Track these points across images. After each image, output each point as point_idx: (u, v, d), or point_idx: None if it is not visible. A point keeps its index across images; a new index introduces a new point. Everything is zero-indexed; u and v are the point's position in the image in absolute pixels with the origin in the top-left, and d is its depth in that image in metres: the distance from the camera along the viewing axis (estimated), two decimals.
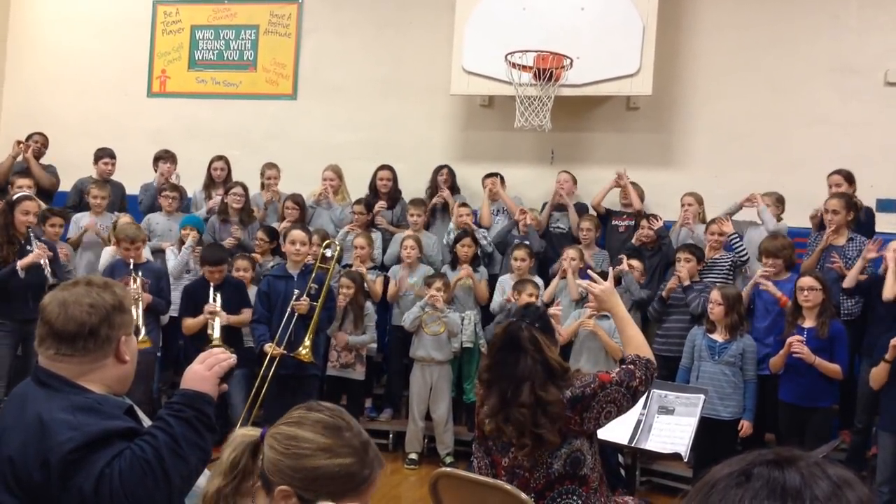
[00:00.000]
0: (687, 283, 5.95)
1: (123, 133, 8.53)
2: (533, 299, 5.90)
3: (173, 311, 6.23)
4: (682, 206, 6.71)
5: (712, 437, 5.00)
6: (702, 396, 4.13)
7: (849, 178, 6.25)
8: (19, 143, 7.60)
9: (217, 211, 7.15)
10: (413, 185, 7.61)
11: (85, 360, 2.07)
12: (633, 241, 6.62)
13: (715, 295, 5.44)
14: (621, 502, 3.26)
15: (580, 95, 7.23)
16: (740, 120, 7.42)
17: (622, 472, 5.29)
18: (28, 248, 5.69)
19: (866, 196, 6.48)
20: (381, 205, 7.30)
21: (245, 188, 7.21)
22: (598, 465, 2.97)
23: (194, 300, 5.91)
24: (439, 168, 7.52)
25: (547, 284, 6.37)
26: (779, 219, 6.44)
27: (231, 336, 5.78)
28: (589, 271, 4.14)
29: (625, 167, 7.05)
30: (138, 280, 5.58)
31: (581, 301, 6.11)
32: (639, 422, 4.02)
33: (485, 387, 3.02)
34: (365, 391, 6.76)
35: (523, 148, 7.77)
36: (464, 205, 7.09)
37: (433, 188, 7.49)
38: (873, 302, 5.60)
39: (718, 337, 5.41)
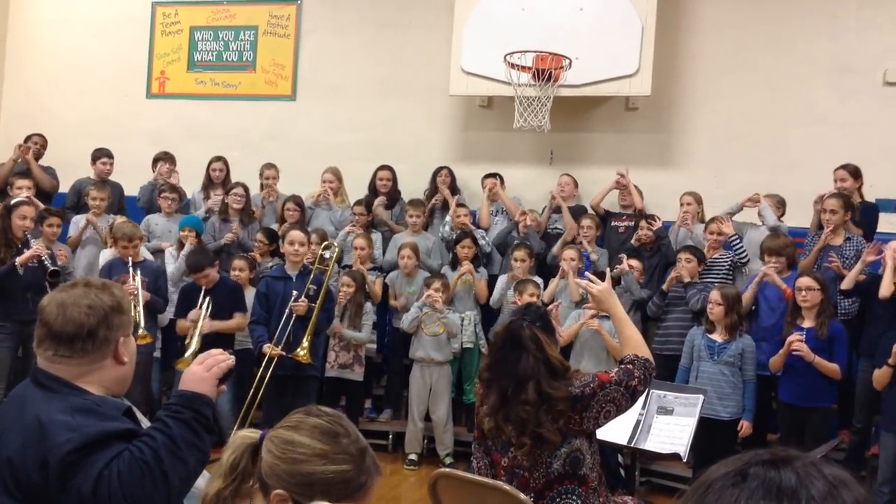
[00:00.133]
0: (688, 280, 5.95)
1: (123, 134, 8.53)
2: (534, 299, 5.92)
3: (174, 311, 6.23)
4: (681, 205, 6.71)
5: (712, 437, 4.99)
6: (701, 396, 4.13)
7: (855, 173, 6.24)
8: (20, 146, 7.59)
9: (218, 211, 7.15)
10: (412, 186, 7.61)
11: (83, 362, 2.07)
12: (633, 241, 6.62)
13: (714, 295, 5.44)
14: (620, 502, 3.26)
15: (579, 96, 7.24)
16: (739, 120, 7.42)
17: (622, 472, 5.30)
18: (25, 250, 5.70)
19: (865, 196, 6.47)
20: (380, 200, 7.30)
21: (246, 188, 7.22)
22: (597, 465, 2.97)
23: (188, 302, 5.90)
24: (439, 169, 7.52)
25: (546, 284, 6.38)
26: (779, 219, 6.44)
27: (220, 342, 5.66)
28: (587, 273, 4.14)
29: (626, 168, 7.05)
30: (137, 278, 5.58)
31: (581, 302, 6.11)
32: (638, 422, 4.02)
33: (485, 386, 3.03)
34: (364, 392, 6.75)
35: (522, 148, 7.77)
36: (461, 205, 7.10)
37: (432, 190, 7.49)
38: (871, 302, 5.61)
39: (718, 337, 5.41)
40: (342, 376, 6.28)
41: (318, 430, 1.71)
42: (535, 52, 6.90)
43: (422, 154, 7.89)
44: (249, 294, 6.10)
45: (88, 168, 7.68)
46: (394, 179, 7.52)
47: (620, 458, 5.34)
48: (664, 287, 6.05)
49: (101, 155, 7.63)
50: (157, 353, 6.31)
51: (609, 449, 4.50)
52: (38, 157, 7.79)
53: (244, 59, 8.74)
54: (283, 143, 8.32)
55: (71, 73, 9.09)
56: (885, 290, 5.30)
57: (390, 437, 6.47)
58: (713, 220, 6.31)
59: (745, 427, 5.29)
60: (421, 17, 8.13)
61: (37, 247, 5.61)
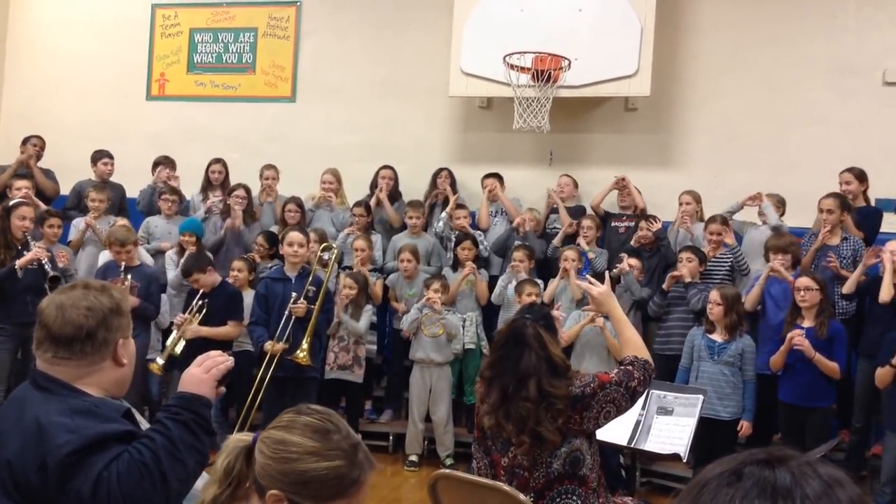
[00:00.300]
0: (688, 279, 5.95)
1: (122, 136, 8.53)
2: (532, 298, 5.93)
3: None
4: (680, 204, 6.71)
5: (712, 437, 5.00)
6: (700, 397, 4.12)
7: (860, 176, 6.25)
8: (23, 152, 7.58)
9: (220, 212, 7.16)
10: (412, 187, 7.62)
11: (82, 364, 2.07)
12: (633, 242, 6.62)
13: (714, 295, 5.44)
14: (620, 503, 3.26)
15: (578, 96, 7.24)
16: (739, 120, 7.42)
17: (622, 472, 5.30)
18: (25, 252, 5.69)
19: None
20: (381, 192, 7.32)
21: (248, 189, 7.22)
22: (597, 466, 2.98)
23: (187, 304, 5.89)
24: (439, 170, 7.53)
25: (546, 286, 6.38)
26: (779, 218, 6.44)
27: (217, 344, 5.38)
28: (587, 275, 4.15)
29: (623, 176, 7.04)
30: (126, 283, 5.54)
31: (582, 301, 6.11)
32: (638, 422, 4.02)
33: (486, 383, 3.04)
34: (365, 393, 6.75)
35: (522, 149, 7.77)
36: (461, 206, 7.09)
37: (432, 191, 7.49)
38: (870, 302, 5.61)
39: (718, 337, 5.41)
40: (342, 377, 6.27)
41: (310, 428, 1.71)
42: (534, 52, 6.90)
43: (421, 155, 7.90)
44: (248, 296, 6.08)
45: (88, 170, 7.68)
46: (395, 179, 7.54)
47: (622, 459, 5.34)
48: (664, 286, 6.05)
49: (101, 156, 7.63)
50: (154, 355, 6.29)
51: (610, 450, 4.50)
52: (37, 158, 7.79)
53: (244, 60, 8.75)
54: (282, 144, 8.32)
55: (71, 76, 9.10)
56: (885, 295, 5.31)
57: (391, 438, 6.48)
58: (713, 219, 6.30)
59: (744, 427, 5.30)
60: (420, 19, 8.13)
61: (36, 250, 5.60)
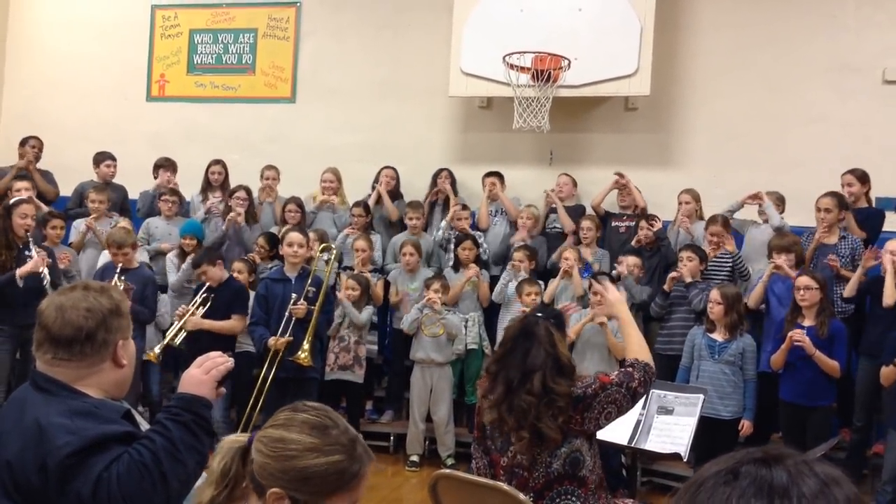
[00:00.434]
0: (689, 279, 5.95)
1: (122, 137, 8.54)
2: (531, 298, 5.95)
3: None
4: (679, 204, 6.71)
5: (712, 436, 4.99)
6: (701, 396, 4.12)
7: (862, 178, 6.24)
8: (22, 155, 7.59)
9: (221, 213, 7.16)
10: (412, 187, 7.63)
11: (82, 365, 2.07)
12: (633, 242, 6.62)
13: (714, 294, 5.44)
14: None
15: (578, 96, 7.24)
16: (738, 119, 7.42)
17: (623, 472, 5.30)
18: (26, 252, 5.66)
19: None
20: (381, 187, 7.31)
21: (248, 191, 7.22)
22: (597, 468, 3.00)
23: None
24: (439, 171, 7.53)
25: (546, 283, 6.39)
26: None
27: (221, 344, 5.37)
28: (604, 280, 4.19)
29: (623, 173, 7.04)
30: (120, 285, 5.52)
31: (584, 297, 6.11)
32: (638, 422, 4.01)
33: (491, 378, 3.06)
34: (366, 393, 6.76)
35: (522, 149, 7.77)
36: (464, 207, 7.08)
37: (433, 192, 7.50)
38: (871, 302, 5.60)
39: (718, 336, 5.41)
40: (342, 378, 6.27)
41: (308, 424, 1.73)
42: (534, 52, 6.90)
43: (421, 155, 7.90)
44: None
45: (88, 172, 7.68)
46: (397, 179, 7.55)
47: (623, 459, 5.34)
48: (665, 287, 6.05)
49: (104, 158, 7.63)
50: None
51: (611, 449, 4.50)
52: (35, 160, 7.79)
53: (244, 61, 8.75)
54: (282, 145, 8.32)
55: (71, 77, 9.10)
56: (889, 299, 5.30)
57: (392, 438, 6.48)
58: (713, 220, 6.30)
59: (745, 426, 5.29)
60: (420, 19, 8.13)
61: (37, 258, 5.56)
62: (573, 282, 6.25)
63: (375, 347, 6.77)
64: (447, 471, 3.30)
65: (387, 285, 6.76)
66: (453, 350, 6.28)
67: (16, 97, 9.37)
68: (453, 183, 7.49)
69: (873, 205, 6.45)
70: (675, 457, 4.00)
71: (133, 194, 7.70)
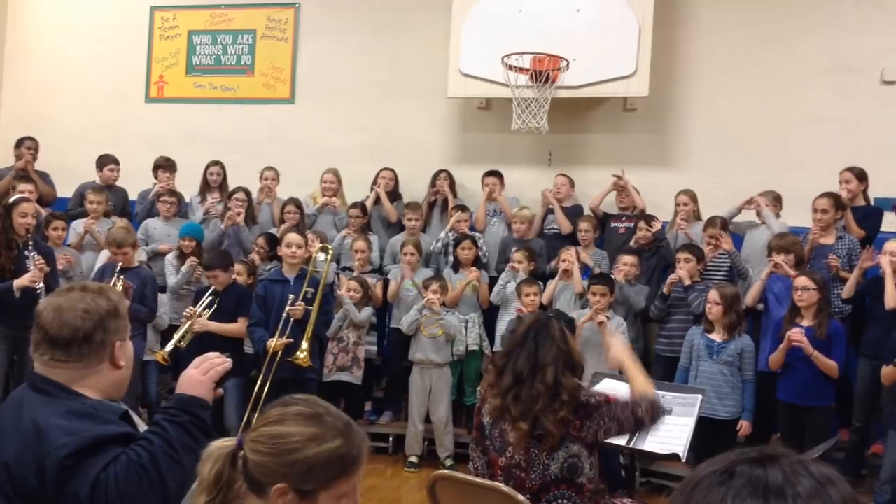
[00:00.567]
0: (688, 282, 5.94)
1: (122, 139, 8.53)
2: (531, 298, 5.94)
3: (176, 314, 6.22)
4: (677, 205, 6.71)
5: (711, 437, 4.99)
6: (699, 396, 4.11)
7: (860, 175, 6.23)
8: (18, 156, 7.58)
9: (219, 214, 7.16)
10: (411, 188, 7.63)
11: (80, 366, 2.07)
12: (632, 243, 6.61)
13: (713, 294, 5.44)
14: None
15: (577, 97, 7.23)
16: (738, 120, 7.42)
17: (622, 472, 5.29)
18: (27, 253, 5.64)
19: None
20: (378, 188, 7.31)
21: (247, 192, 7.22)
22: (596, 478, 3.01)
23: (196, 302, 5.89)
24: (438, 172, 7.52)
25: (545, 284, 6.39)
26: (777, 217, 6.43)
27: (229, 346, 5.65)
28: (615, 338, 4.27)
29: (622, 169, 7.05)
30: (119, 284, 5.52)
31: (583, 296, 6.11)
32: None
33: (497, 371, 3.08)
34: (365, 394, 6.75)
35: (521, 150, 7.77)
36: (464, 209, 7.07)
37: (432, 194, 7.50)
38: (871, 302, 5.60)
39: (717, 337, 5.41)
40: (341, 379, 6.27)
41: (302, 416, 1.72)
42: (532, 53, 6.90)
43: (420, 156, 7.90)
44: None
45: (88, 174, 7.68)
46: (396, 180, 7.55)
47: (622, 459, 5.33)
48: (664, 290, 6.04)
49: (107, 161, 7.62)
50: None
51: (611, 450, 4.50)
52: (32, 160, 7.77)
53: (242, 62, 8.75)
54: (281, 146, 8.32)
55: (70, 79, 9.10)
56: (891, 302, 5.29)
57: (391, 439, 6.48)
58: (711, 222, 6.29)
59: (744, 427, 5.29)
60: (419, 20, 8.13)
61: (35, 271, 5.51)
62: (573, 280, 6.24)
63: (374, 348, 6.76)
64: (446, 471, 3.31)
65: (386, 285, 6.76)
66: (454, 351, 6.27)
67: (15, 99, 9.37)
68: (452, 184, 7.48)
69: (871, 203, 6.44)
70: (674, 457, 3.99)
71: (132, 195, 7.70)
